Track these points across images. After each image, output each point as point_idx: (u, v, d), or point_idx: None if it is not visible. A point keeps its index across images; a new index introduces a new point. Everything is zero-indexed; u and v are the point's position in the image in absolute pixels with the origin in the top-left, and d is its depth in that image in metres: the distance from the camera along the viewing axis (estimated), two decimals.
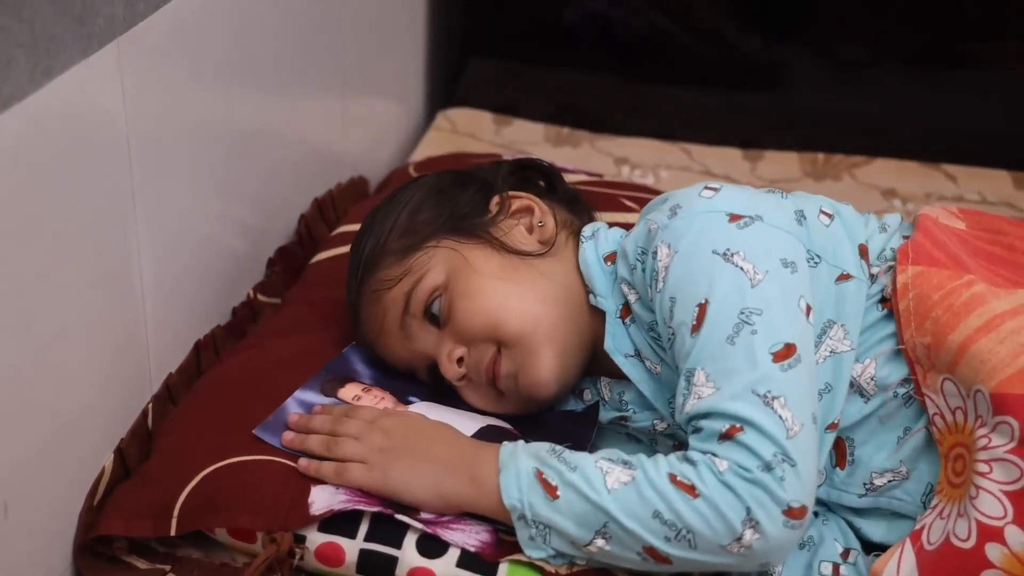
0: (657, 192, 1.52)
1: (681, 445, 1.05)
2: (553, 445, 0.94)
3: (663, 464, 0.89)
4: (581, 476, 0.90)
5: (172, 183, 1.10)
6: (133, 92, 1.00)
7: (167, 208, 1.10)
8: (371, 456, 0.97)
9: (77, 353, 0.97)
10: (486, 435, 1.03)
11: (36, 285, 0.90)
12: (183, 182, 1.13)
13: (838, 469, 0.99)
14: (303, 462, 0.98)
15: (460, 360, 1.03)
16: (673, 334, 0.94)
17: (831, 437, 0.96)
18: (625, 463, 0.90)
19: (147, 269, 1.07)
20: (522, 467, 0.92)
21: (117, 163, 1.00)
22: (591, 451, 1.06)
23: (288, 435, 1.01)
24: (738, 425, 0.87)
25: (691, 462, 0.88)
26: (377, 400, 1.07)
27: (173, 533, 0.96)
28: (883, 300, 0.98)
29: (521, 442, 0.95)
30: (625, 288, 1.01)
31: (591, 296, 1.04)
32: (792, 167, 1.76)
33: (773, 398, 0.88)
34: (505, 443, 0.95)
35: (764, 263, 0.93)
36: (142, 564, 0.99)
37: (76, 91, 0.92)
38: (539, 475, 0.91)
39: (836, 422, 0.96)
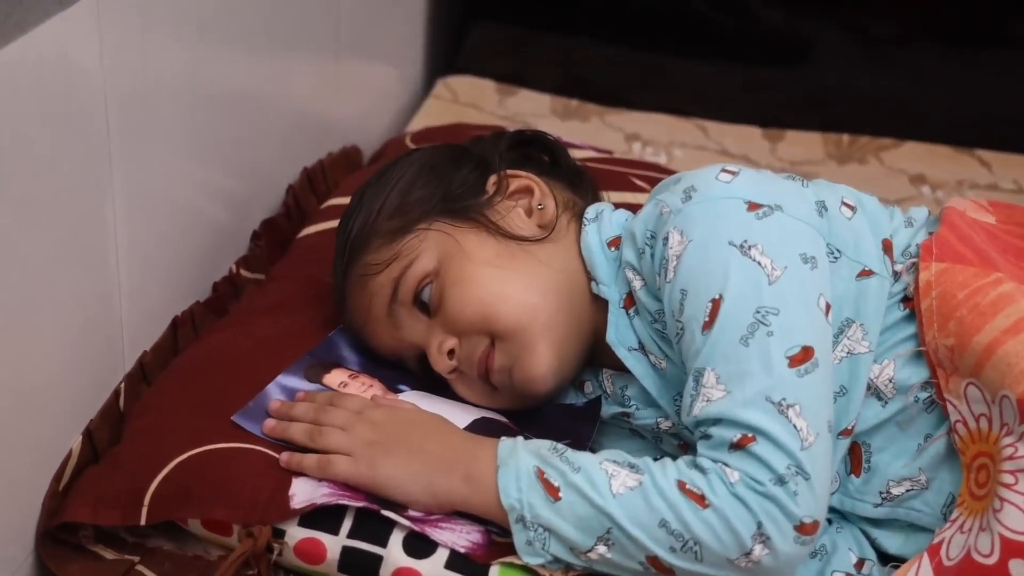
0: (670, 172, 1.51)
1: (686, 445, 1.04)
2: (555, 443, 0.94)
3: (672, 470, 0.89)
4: (585, 478, 0.89)
5: (152, 147, 1.10)
6: (112, 49, 0.99)
7: (146, 174, 1.09)
8: (358, 449, 0.96)
9: (44, 327, 0.97)
10: (479, 428, 1.02)
11: (0, 253, 0.90)
12: (164, 146, 1.12)
13: (853, 476, 0.98)
14: (285, 456, 0.98)
15: (451, 352, 1.03)
16: (682, 329, 0.94)
17: (845, 443, 0.96)
18: (632, 466, 0.90)
19: (123, 238, 1.06)
20: (522, 465, 0.92)
21: (93, 125, 0.99)
22: (593, 449, 1.06)
23: (269, 423, 1.01)
24: (751, 435, 0.87)
25: (701, 470, 0.88)
26: (365, 388, 1.06)
27: (143, 523, 0.96)
28: (906, 299, 0.98)
29: (520, 438, 0.95)
30: (630, 274, 1.01)
31: (593, 284, 1.04)
32: (815, 148, 1.76)
33: (788, 406, 0.87)
34: (503, 439, 0.95)
35: (783, 258, 0.92)
36: (109, 554, 0.99)
37: (51, 46, 0.92)
38: (540, 474, 0.91)
39: (850, 427, 0.96)
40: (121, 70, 1.01)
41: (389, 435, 0.96)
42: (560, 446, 0.93)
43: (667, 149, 1.74)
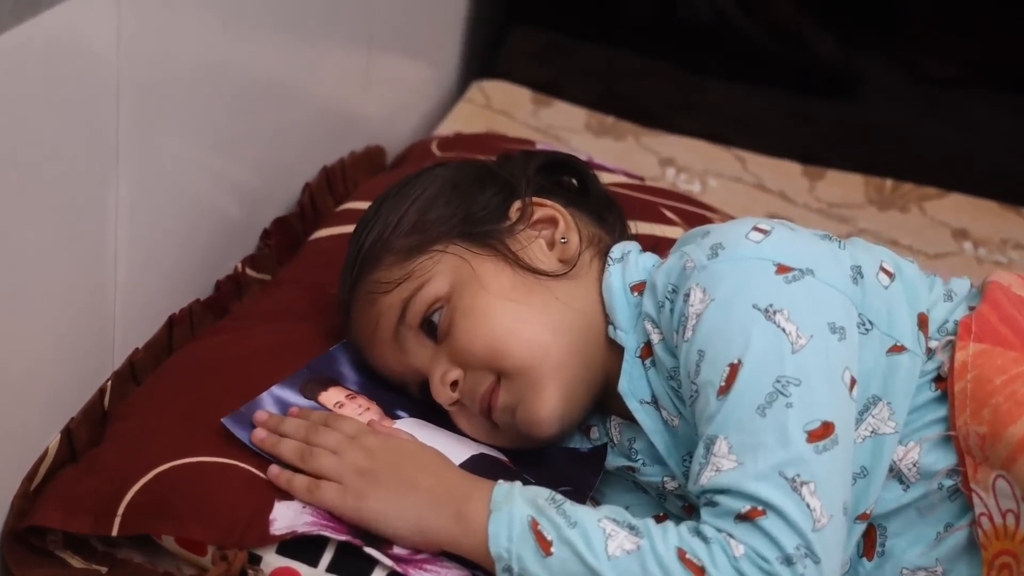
0: (703, 204, 1.48)
1: (691, 508, 1.01)
2: (553, 493, 0.91)
3: (672, 536, 0.86)
4: (581, 535, 0.87)
5: (163, 137, 1.08)
6: (130, 34, 0.97)
7: (155, 164, 1.07)
8: (348, 477, 0.93)
9: (31, 318, 0.95)
10: (476, 465, 1.00)
11: None
12: (176, 136, 1.10)
13: (865, 559, 0.96)
14: (274, 469, 0.95)
15: (454, 384, 1.00)
16: (697, 391, 0.91)
17: (861, 528, 0.94)
18: (631, 527, 0.87)
19: (124, 229, 1.04)
20: (516, 513, 0.89)
21: (102, 113, 0.97)
22: (594, 498, 1.04)
23: (260, 433, 0.98)
24: (760, 508, 0.84)
25: (704, 538, 0.85)
26: (361, 410, 1.04)
27: (115, 534, 0.93)
28: (938, 379, 0.95)
29: (518, 483, 0.92)
30: (648, 326, 0.98)
31: (610, 328, 1.01)
32: (855, 191, 1.73)
33: (802, 483, 0.85)
34: (500, 482, 0.92)
35: (809, 326, 0.90)
36: (76, 562, 0.96)
37: (65, 29, 0.89)
38: (534, 525, 0.88)
39: (868, 512, 0.93)
40: (138, 58, 0.99)
41: (382, 465, 0.94)
42: (558, 496, 0.91)
43: (702, 178, 1.72)
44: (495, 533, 0.89)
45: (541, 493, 0.91)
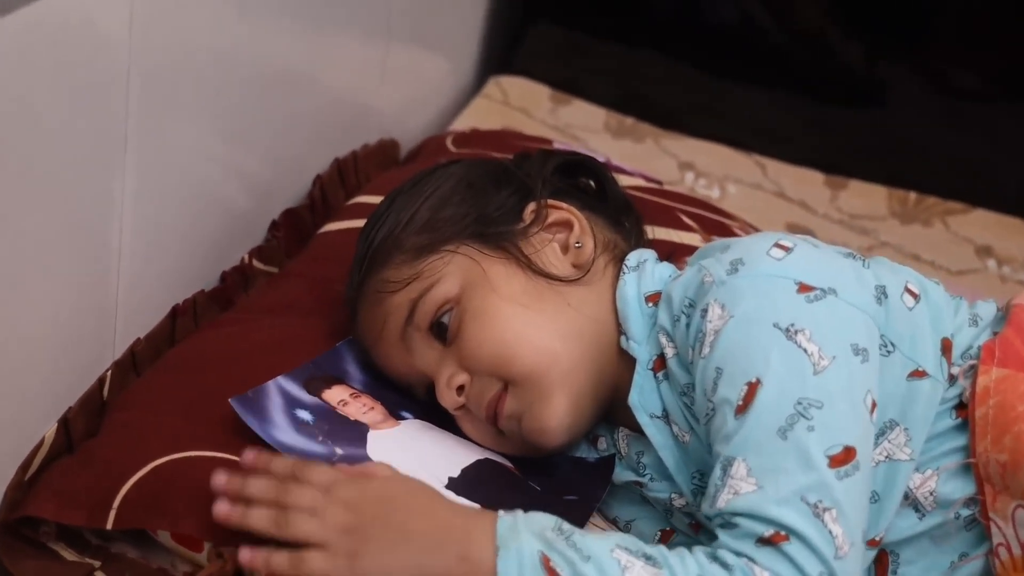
0: (721, 211, 1.47)
1: (699, 525, 1.00)
2: (560, 522, 0.87)
3: (691, 564, 0.83)
4: (596, 568, 0.83)
5: (173, 123, 1.07)
6: (143, 18, 0.96)
7: (163, 151, 1.06)
8: (333, 539, 0.85)
9: (31, 306, 0.94)
10: (480, 470, 0.99)
11: None
12: (186, 123, 1.10)
13: None
14: (245, 554, 0.85)
15: (460, 388, 0.99)
16: (713, 410, 0.89)
17: (871, 554, 0.92)
18: (647, 557, 0.84)
19: (129, 217, 1.03)
20: (525, 549, 0.84)
21: (112, 99, 0.96)
22: (599, 510, 1.02)
23: (222, 508, 0.88)
24: (783, 533, 0.82)
25: (724, 565, 0.83)
26: (365, 410, 1.03)
27: (109, 527, 0.92)
28: (959, 406, 0.93)
29: (521, 514, 0.88)
30: (663, 339, 0.97)
31: (622, 338, 1.00)
32: (878, 203, 1.71)
33: (824, 509, 0.83)
34: (500, 514, 0.87)
35: (832, 347, 0.88)
36: (69, 555, 0.95)
37: (76, 11, 0.89)
38: (545, 561, 0.84)
39: (878, 538, 0.92)
40: (151, 44, 0.98)
41: (367, 518, 0.86)
42: (566, 526, 0.87)
43: (721, 183, 1.70)
44: (505, 572, 0.84)
45: (546, 523, 0.87)
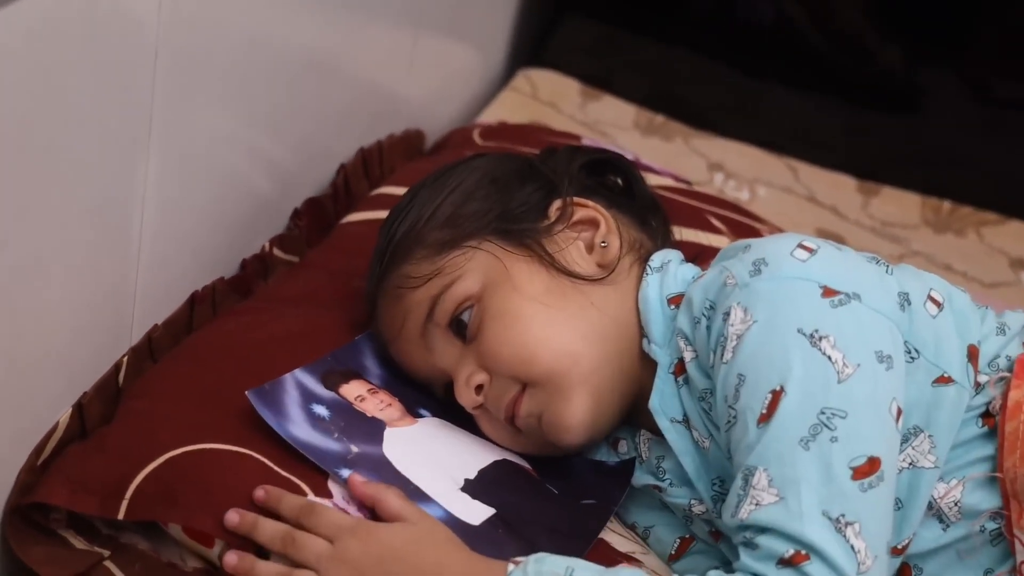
0: (750, 214, 1.47)
1: (719, 535, 1.00)
2: (570, 569, 0.86)
3: None
4: None
5: (199, 107, 1.07)
6: (172, 0, 0.96)
7: (188, 135, 1.06)
8: None
9: (51, 290, 0.94)
10: (498, 471, 0.99)
11: (13, 206, 0.87)
12: (212, 107, 1.10)
13: None
14: None
15: (479, 388, 0.99)
16: (735, 417, 0.89)
17: (895, 563, 0.92)
18: None
19: (151, 202, 1.03)
20: None
21: (138, 80, 0.96)
22: (618, 514, 1.02)
23: (230, 560, 0.90)
24: (804, 552, 0.82)
25: None
26: (383, 406, 1.03)
27: (121, 517, 0.93)
28: (986, 415, 0.93)
29: (531, 565, 0.86)
30: (682, 343, 0.96)
31: (644, 341, 0.99)
32: (911, 211, 1.70)
33: (847, 524, 0.83)
34: (511, 572, 0.86)
35: (856, 354, 0.88)
36: (79, 543, 0.96)
37: None
38: None
39: (901, 547, 0.91)
40: (179, 22, 0.98)
41: (373, 574, 0.87)
42: (576, 570, 0.86)
43: (751, 186, 1.70)
44: None
45: (556, 571, 0.86)
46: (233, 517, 0.90)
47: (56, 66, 0.86)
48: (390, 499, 0.92)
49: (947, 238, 1.67)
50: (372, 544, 0.88)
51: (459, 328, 1.00)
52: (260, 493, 0.91)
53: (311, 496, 0.93)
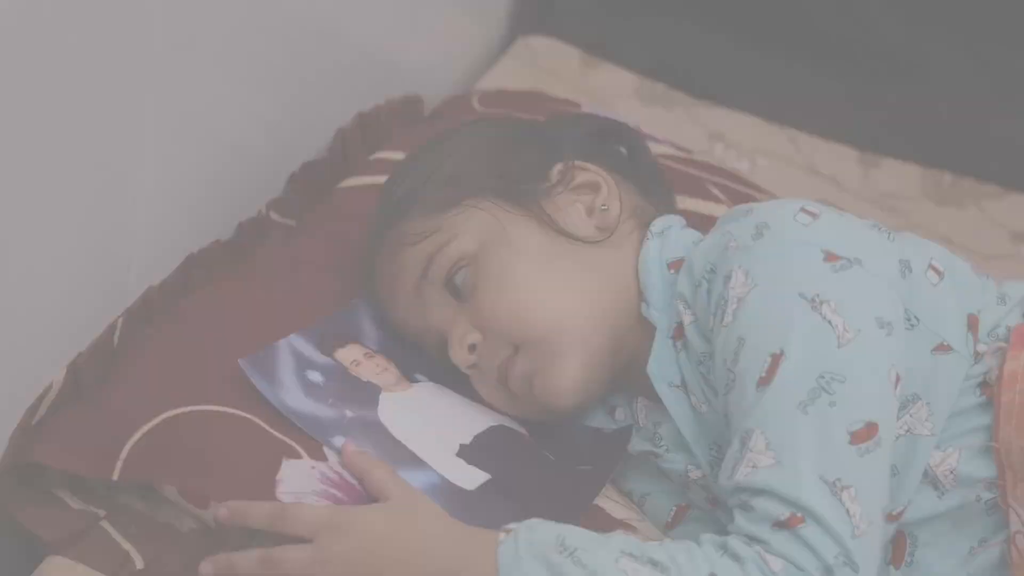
0: (750, 184, 1.47)
1: (715, 501, 1.00)
2: (562, 536, 0.86)
3: (701, 562, 0.84)
4: None
5: (197, 69, 1.07)
6: None
7: (186, 96, 1.07)
8: None
9: (44, 248, 0.95)
10: (492, 438, 1.00)
11: (7, 166, 0.87)
12: (212, 66, 1.10)
13: (892, 567, 0.95)
14: None
15: (473, 347, 0.99)
16: (734, 380, 0.90)
17: (890, 528, 0.92)
18: (653, 563, 0.84)
19: (149, 161, 1.04)
20: (530, 574, 0.84)
21: (137, 38, 0.97)
22: (613, 481, 1.03)
23: (206, 570, 0.88)
24: (799, 515, 0.83)
25: (736, 558, 0.83)
26: (379, 371, 1.03)
27: (115, 478, 0.93)
28: (984, 384, 0.93)
29: (522, 533, 0.87)
30: (681, 306, 0.97)
31: (643, 305, 1.00)
32: (912, 183, 1.70)
33: (843, 487, 0.84)
34: (502, 540, 0.86)
35: (857, 319, 0.88)
36: (74, 503, 0.96)
37: None
38: None
39: (896, 513, 0.92)
40: None
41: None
42: (569, 540, 0.86)
43: (751, 156, 1.69)
44: None
45: (548, 541, 0.86)
46: (207, 568, 0.88)
47: (49, 19, 0.86)
48: (375, 473, 0.92)
49: (947, 211, 1.66)
50: (353, 535, 0.87)
51: (454, 287, 1.00)
52: (223, 512, 0.89)
53: (306, 459, 0.94)
